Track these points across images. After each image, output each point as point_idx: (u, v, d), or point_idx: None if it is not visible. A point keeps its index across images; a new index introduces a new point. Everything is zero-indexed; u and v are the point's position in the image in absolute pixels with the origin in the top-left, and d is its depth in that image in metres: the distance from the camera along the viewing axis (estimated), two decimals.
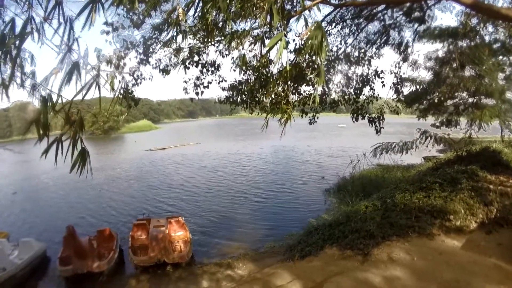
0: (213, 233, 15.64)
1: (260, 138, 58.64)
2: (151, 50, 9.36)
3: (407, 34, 14.27)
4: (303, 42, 7.81)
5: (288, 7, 8.21)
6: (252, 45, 7.77)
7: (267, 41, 7.41)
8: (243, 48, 7.08)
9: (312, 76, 8.32)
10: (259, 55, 7.73)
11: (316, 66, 7.63)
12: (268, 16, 3.91)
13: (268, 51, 3.39)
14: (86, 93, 3.09)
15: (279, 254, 11.42)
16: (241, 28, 6.64)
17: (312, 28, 3.42)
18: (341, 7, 9.97)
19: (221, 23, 6.88)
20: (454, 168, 12.78)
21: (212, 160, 37.80)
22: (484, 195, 10.58)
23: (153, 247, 11.89)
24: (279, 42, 3.18)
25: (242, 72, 8.99)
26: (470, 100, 15.70)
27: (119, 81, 9.06)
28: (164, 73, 9.51)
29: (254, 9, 4.52)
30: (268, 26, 6.40)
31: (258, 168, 32.26)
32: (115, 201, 22.23)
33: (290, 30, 10.10)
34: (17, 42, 3.12)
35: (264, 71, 7.99)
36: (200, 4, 4.57)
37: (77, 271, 11.36)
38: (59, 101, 2.97)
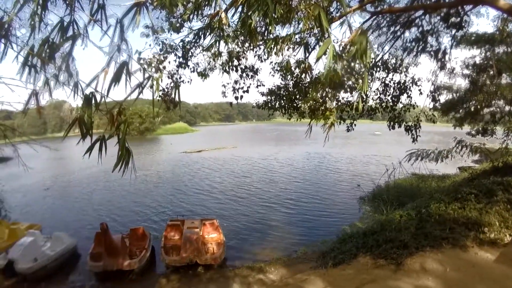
0: (246, 237, 15.71)
1: (295, 144, 58.85)
2: (190, 53, 9.48)
3: (445, 41, 14.06)
4: (341, 48, 7.84)
5: None
6: (292, 50, 7.83)
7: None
8: (282, 54, 7.14)
9: (350, 82, 8.31)
10: (300, 60, 7.74)
11: (354, 72, 7.63)
12: (310, 22, 3.94)
13: (318, 59, 3.39)
14: (138, 95, 3.18)
15: (312, 260, 11.37)
16: (280, 33, 6.70)
17: (357, 34, 3.42)
18: (378, 14, 9.94)
19: (262, 27, 6.96)
20: (490, 179, 12.53)
21: (247, 165, 37.93)
22: None
23: (186, 247, 11.99)
24: (328, 49, 3.18)
25: (281, 78, 9.05)
26: (507, 108, 15.32)
27: (159, 84, 9.27)
28: (202, 77, 9.64)
29: (297, 13, 4.57)
30: (310, 30, 6.44)
31: (292, 175, 32.07)
32: (146, 201, 22.60)
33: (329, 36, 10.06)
34: (65, 44, 3.22)
35: (307, 77, 8.01)
36: (241, 9, 4.65)
37: (107, 268, 11.53)
38: (102, 100, 3.06)
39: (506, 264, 8.27)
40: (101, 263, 11.59)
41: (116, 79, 3.01)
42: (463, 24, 11.59)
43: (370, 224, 13.15)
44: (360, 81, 7.09)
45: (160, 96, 8.69)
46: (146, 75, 3.25)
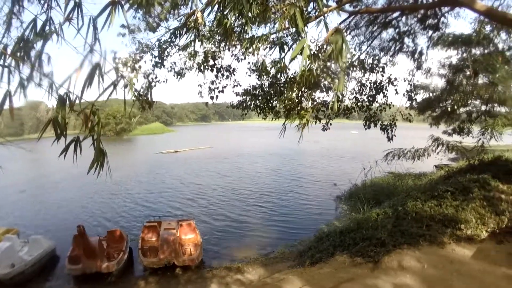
0: (223, 237, 15.63)
1: (267, 143, 58.77)
2: (166, 53, 9.39)
3: (421, 42, 14.25)
4: (318, 48, 7.86)
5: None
6: (268, 50, 7.80)
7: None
8: (258, 54, 7.10)
9: (326, 82, 8.33)
10: (276, 60, 7.74)
11: (330, 72, 7.65)
12: (287, 22, 3.92)
13: (293, 59, 3.36)
14: (110, 95, 3.11)
15: (290, 259, 11.44)
16: (257, 33, 6.67)
17: (333, 33, 3.41)
18: (356, 14, 9.99)
19: (239, 28, 6.91)
20: (466, 177, 12.65)
21: (223, 165, 37.78)
22: (496, 204, 10.46)
23: (163, 249, 11.91)
24: (303, 49, 3.16)
25: (257, 78, 9.02)
26: (483, 108, 15.56)
27: (134, 84, 9.16)
28: (178, 77, 9.56)
29: (273, 13, 4.54)
30: (286, 30, 6.41)
31: (269, 174, 32.17)
32: (122, 203, 22.42)
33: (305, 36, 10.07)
34: (38, 43, 3.13)
35: (282, 76, 8.00)
36: (217, 8, 4.60)
37: (85, 270, 11.41)
38: (77, 101, 2.97)
39: (483, 260, 8.41)
40: (80, 266, 11.46)
41: (89, 81, 2.93)
42: (440, 26, 11.75)
43: (347, 222, 13.21)
44: (336, 80, 7.12)
45: (134, 96, 8.60)
46: (119, 74, 3.18)
